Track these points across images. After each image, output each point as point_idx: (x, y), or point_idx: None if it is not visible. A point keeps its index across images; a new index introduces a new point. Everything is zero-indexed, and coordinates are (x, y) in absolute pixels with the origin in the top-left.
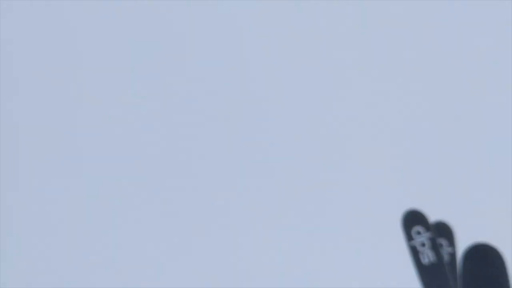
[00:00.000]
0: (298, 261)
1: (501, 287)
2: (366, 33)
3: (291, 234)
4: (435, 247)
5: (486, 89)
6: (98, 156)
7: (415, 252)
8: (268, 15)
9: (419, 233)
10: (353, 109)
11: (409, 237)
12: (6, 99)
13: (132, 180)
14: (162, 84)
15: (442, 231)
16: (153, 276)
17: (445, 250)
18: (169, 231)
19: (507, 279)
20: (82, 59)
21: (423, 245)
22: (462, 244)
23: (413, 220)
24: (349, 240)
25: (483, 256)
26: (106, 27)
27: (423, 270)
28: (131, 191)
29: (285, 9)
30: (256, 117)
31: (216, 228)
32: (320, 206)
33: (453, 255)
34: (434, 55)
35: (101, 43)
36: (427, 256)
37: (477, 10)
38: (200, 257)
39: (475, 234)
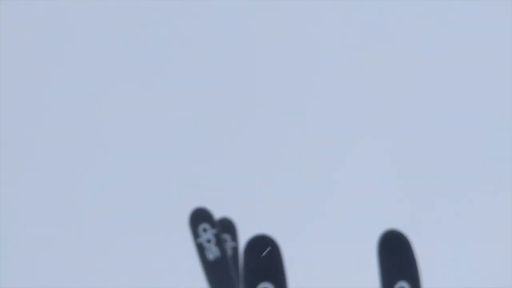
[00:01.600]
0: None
1: (278, 274)
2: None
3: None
4: (220, 243)
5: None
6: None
7: (201, 249)
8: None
9: (205, 230)
10: None
11: (196, 235)
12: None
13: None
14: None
15: (226, 227)
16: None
17: (229, 245)
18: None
19: (283, 266)
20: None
21: (208, 241)
22: (244, 238)
23: (199, 218)
24: (136, 240)
25: (261, 246)
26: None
27: (208, 266)
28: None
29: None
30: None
31: None
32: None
33: (236, 249)
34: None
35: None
36: (212, 252)
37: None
38: None
39: (256, 228)
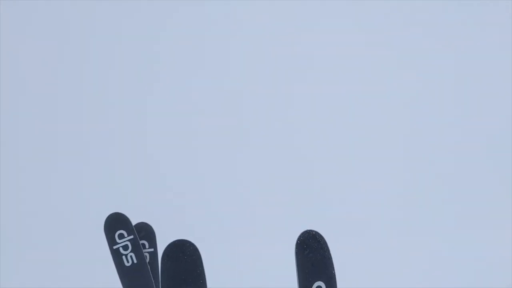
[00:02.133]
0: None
1: (197, 278)
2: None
3: None
4: (138, 249)
5: None
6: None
7: (118, 256)
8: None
9: (122, 236)
10: None
11: (112, 242)
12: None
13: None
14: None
15: (144, 232)
16: None
17: (147, 250)
18: None
19: (202, 270)
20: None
21: (126, 248)
22: (162, 243)
23: (116, 224)
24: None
25: (181, 251)
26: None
27: (125, 272)
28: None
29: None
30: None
31: None
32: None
33: (153, 255)
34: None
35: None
36: (130, 258)
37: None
38: None
39: (174, 233)
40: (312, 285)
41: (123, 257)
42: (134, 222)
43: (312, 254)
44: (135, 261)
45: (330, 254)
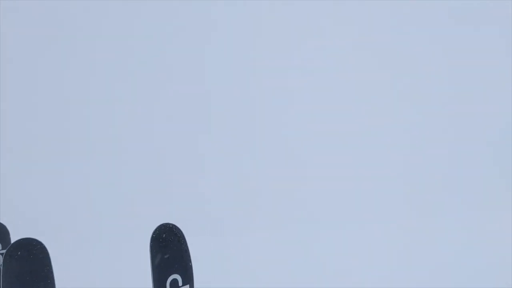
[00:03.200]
0: None
1: (45, 278)
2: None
3: None
4: None
5: None
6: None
7: None
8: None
9: None
10: None
11: None
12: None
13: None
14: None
15: None
16: None
17: (0, 252)
18: None
19: (51, 269)
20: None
21: None
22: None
23: None
24: None
25: (26, 251)
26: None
27: None
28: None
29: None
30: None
31: None
32: None
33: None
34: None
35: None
36: None
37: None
38: None
39: (31, 233)
40: (167, 279)
41: None
42: None
43: (169, 247)
44: None
45: (187, 247)
